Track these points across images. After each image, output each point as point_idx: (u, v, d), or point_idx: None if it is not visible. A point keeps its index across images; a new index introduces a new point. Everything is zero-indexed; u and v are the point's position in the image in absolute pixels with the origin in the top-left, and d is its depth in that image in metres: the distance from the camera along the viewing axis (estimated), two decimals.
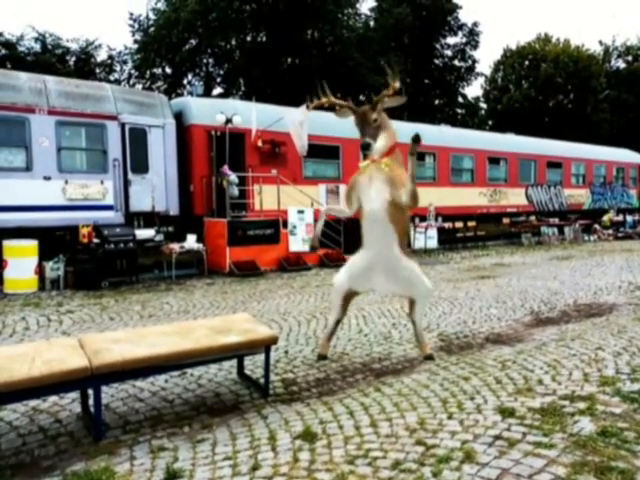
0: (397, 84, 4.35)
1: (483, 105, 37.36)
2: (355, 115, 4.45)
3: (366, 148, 4.32)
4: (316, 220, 12.14)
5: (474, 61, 32.03)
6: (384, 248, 4.49)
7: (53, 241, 9.78)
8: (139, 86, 25.43)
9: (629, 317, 6.35)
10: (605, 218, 20.92)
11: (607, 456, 2.86)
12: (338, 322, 4.92)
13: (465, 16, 36.06)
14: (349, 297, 4.89)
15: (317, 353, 4.86)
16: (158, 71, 25.91)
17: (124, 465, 2.91)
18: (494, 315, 6.62)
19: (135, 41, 25.34)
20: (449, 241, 16.45)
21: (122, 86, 22.30)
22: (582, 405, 3.57)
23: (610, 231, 19.94)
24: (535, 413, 3.46)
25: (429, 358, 4.73)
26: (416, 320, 4.84)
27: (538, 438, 3.09)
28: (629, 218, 21.73)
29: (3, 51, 22.70)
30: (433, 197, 14.95)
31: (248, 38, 25.20)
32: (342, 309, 4.85)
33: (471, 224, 17.59)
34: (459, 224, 17.23)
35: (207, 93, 23.66)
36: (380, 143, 4.38)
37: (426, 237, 14.91)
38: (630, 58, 37.53)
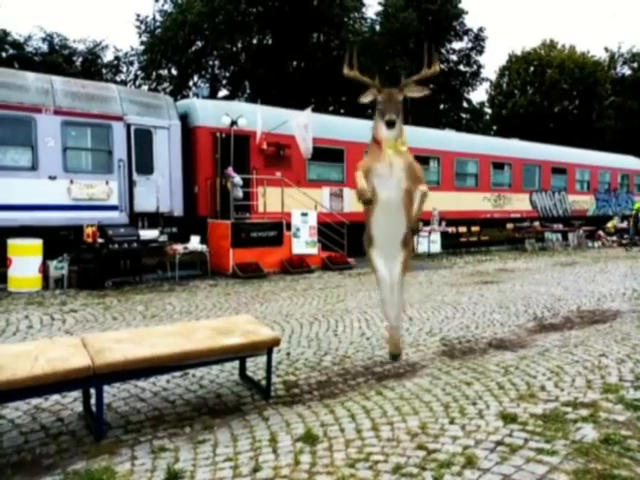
0: (436, 68, 4.27)
1: (488, 110, 37.38)
2: (381, 93, 4.25)
3: (392, 124, 4.15)
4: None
5: (479, 66, 32.08)
6: (394, 236, 4.49)
7: (57, 240, 9.81)
8: (145, 87, 25.57)
9: (633, 324, 6.33)
10: (609, 225, 20.85)
11: (610, 464, 2.84)
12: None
13: (471, 21, 36.14)
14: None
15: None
16: (164, 72, 26.05)
17: (125, 465, 2.92)
18: (497, 320, 6.60)
19: (141, 42, 25.50)
20: (452, 246, 16.42)
21: (128, 87, 22.40)
22: (585, 412, 3.55)
23: (614, 238, 19.87)
24: (537, 419, 3.44)
25: (394, 358, 4.75)
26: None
27: (540, 444, 3.08)
28: None
29: (11, 51, 22.87)
30: (437, 201, 14.94)
31: (254, 41, 25.31)
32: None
33: (475, 229, 17.55)
34: (463, 229, 17.19)
35: (213, 95, 23.75)
36: (399, 128, 4.26)
37: (429, 241, 14.89)
38: (636, 65, 37.49)
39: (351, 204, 13.98)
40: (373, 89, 4.33)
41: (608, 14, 65.87)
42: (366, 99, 4.40)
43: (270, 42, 25.06)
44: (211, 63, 26.14)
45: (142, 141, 10.88)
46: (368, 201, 4.17)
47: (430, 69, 4.31)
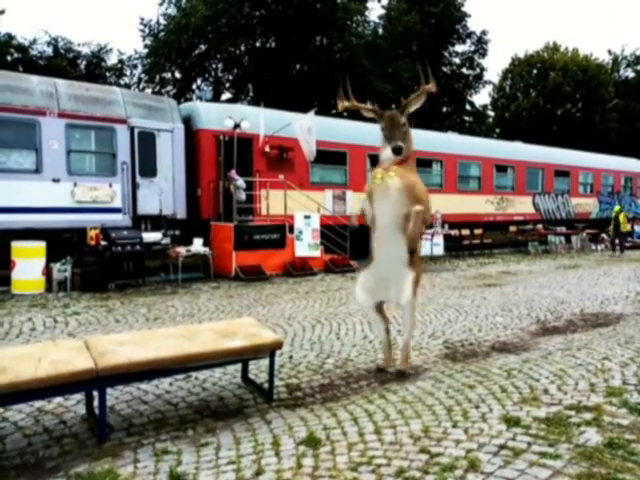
0: (430, 86, 4.32)
1: (491, 113, 37.34)
2: (382, 119, 4.32)
3: (398, 152, 4.17)
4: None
5: (482, 69, 32.10)
6: (395, 259, 4.40)
7: (61, 243, 9.84)
8: (149, 90, 25.64)
9: (636, 327, 6.30)
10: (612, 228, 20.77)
11: (614, 468, 2.83)
12: (387, 331, 4.76)
13: (474, 24, 36.18)
14: (380, 307, 4.72)
15: (377, 365, 4.68)
16: (168, 76, 26.12)
17: (127, 468, 2.92)
18: (500, 323, 6.59)
19: (145, 46, 25.56)
20: (455, 248, 16.40)
21: (132, 90, 22.48)
22: (588, 416, 3.54)
23: (617, 241, 19.78)
24: (541, 423, 3.43)
25: (401, 374, 4.48)
26: (405, 330, 4.66)
27: (543, 448, 3.07)
28: (637, 228, 21.58)
29: (16, 54, 22.97)
30: (440, 204, 14.92)
31: (257, 44, 25.37)
32: (381, 319, 4.72)
33: (478, 232, 17.52)
34: (465, 231, 17.17)
35: (216, 98, 23.78)
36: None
37: (432, 244, 14.86)
38: (639, 67, 37.42)
39: (354, 207, 13.99)
40: (373, 113, 4.40)
41: (610, 15, 65.87)
42: (368, 114, 4.50)
43: (273, 45, 25.11)
44: (214, 66, 26.20)
45: (145, 144, 10.92)
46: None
47: (427, 86, 4.36)
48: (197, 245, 10.71)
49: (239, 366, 4.36)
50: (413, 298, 4.45)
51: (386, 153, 4.30)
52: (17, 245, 9.01)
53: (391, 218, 4.27)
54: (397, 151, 4.17)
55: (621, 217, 17.14)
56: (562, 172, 20.59)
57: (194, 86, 26.46)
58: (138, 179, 10.84)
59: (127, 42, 50.83)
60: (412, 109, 4.42)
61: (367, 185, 4.53)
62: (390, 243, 4.37)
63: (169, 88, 26.13)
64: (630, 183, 23.93)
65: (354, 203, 14.01)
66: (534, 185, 19.63)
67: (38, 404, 3.78)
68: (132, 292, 9.00)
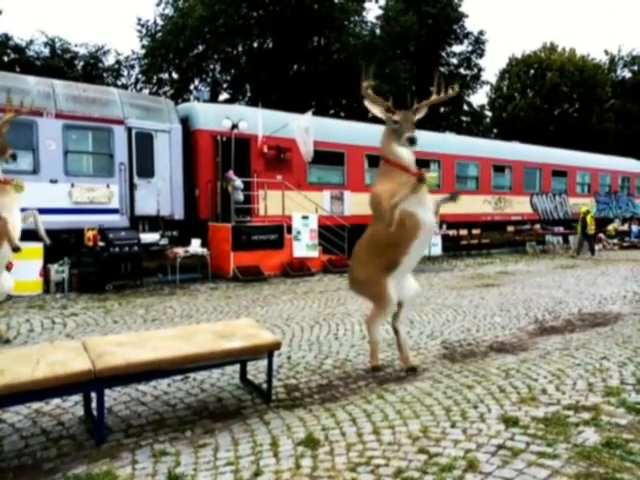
0: (441, 97, 4.44)
1: (488, 113, 37.37)
2: (395, 114, 4.32)
3: (414, 142, 4.22)
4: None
5: (480, 69, 32.14)
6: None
7: (58, 244, 9.80)
8: (146, 91, 25.61)
9: (634, 327, 6.32)
10: (610, 227, 20.84)
11: (612, 468, 2.83)
12: (396, 330, 4.76)
13: (471, 25, 36.16)
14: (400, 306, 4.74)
15: (406, 368, 4.64)
16: (165, 76, 26.09)
17: (126, 469, 2.91)
18: (498, 323, 6.60)
19: (143, 46, 25.52)
20: (453, 248, 16.41)
21: (129, 91, 22.46)
22: (586, 415, 3.54)
23: (615, 240, 19.85)
24: (539, 423, 3.43)
25: (412, 370, 4.57)
26: (400, 328, 4.68)
27: (542, 448, 3.07)
28: (634, 227, 21.64)
29: (12, 55, 22.92)
30: None
31: (255, 44, 25.36)
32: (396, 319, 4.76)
33: (475, 232, 17.54)
34: (463, 232, 17.19)
35: (213, 98, 23.80)
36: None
37: (430, 244, 14.87)
38: (636, 68, 37.56)
39: (352, 207, 14.00)
40: (384, 108, 4.38)
41: (608, 15, 66.06)
42: (375, 110, 4.43)
43: (271, 46, 25.11)
44: (212, 67, 26.17)
45: (143, 144, 10.90)
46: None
47: (440, 95, 4.48)
48: (195, 246, 10.70)
49: (237, 367, 4.35)
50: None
51: (405, 152, 4.29)
52: None
53: (433, 222, 4.45)
54: (413, 141, 4.22)
55: (588, 218, 16.90)
56: (559, 172, 20.63)
57: (192, 87, 26.45)
58: (136, 180, 10.82)
59: (124, 43, 50.72)
60: (420, 115, 4.46)
61: (416, 189, 4.19)
62: (428, 240, 4.66)
63: (166, 89, 26.10)
64: (627, 183, 24.00)
65: (352, 203, 14.02)
66: (532, 185, 19.67)
67: (36, 405, 3.77)
68: (130, 293, 8.98)
